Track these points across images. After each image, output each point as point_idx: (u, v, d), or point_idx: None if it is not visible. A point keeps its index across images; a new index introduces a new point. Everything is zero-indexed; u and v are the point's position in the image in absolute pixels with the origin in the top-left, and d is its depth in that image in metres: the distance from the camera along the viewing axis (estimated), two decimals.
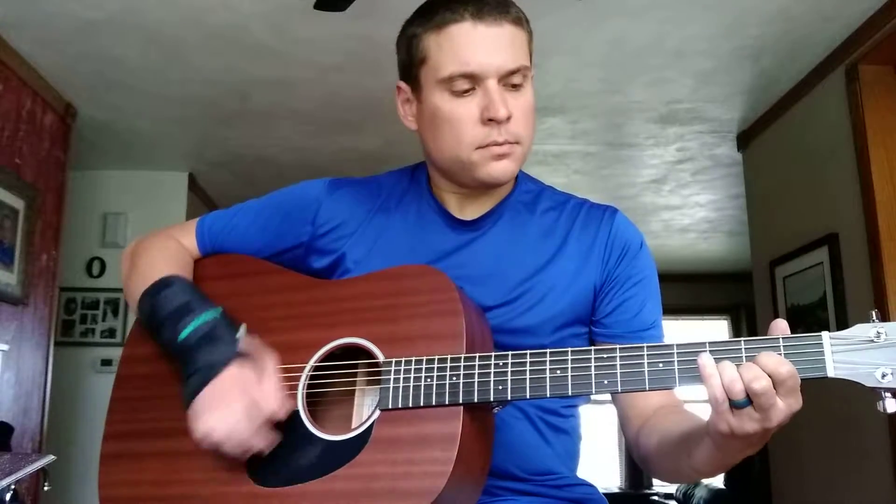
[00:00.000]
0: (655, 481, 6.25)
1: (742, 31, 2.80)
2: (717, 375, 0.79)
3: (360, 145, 3.89)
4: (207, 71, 3.11)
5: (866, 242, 2.69)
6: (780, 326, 0.82)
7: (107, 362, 3.96)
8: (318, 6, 2.33)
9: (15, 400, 2.97)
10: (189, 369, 0.97)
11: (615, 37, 2.86)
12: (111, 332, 4.09)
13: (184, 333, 0.99)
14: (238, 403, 0.92)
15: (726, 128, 3.72)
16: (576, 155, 4.14)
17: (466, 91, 1.02)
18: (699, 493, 4.60)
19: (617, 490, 6.09)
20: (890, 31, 2.58)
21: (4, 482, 1.54)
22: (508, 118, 1.01)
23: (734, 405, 0.78)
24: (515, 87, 1.04)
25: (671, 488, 5.38)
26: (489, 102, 1.01)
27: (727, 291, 6.46)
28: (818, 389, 2.97)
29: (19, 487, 1.75)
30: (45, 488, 1.94)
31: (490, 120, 1.01)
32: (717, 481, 4.62)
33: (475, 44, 1.01)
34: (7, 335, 2.91)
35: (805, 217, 3.15)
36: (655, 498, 5.82)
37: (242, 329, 1.01)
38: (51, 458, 1.72)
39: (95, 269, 4.17)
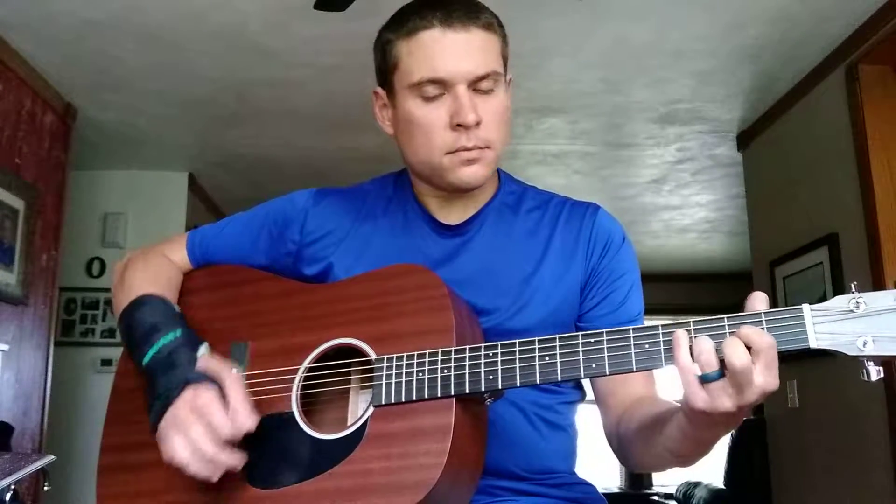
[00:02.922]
0: (655, 481, 6.25)
1: (742, 31, 2.80)
2: (685, 348, 0.79)
3: (360, 145, 3.89)
4: (207, 71, 3.12)
5: (866, 242, 2.69)
6: (759, 297, 0.82)
7: (107, 362, 3.96)
8: (318, 6, 2.33)
9: (15, 400, 2.97)
10: (152, 395, 0.98)
11: (615, 37, 2.87)
12: (111, 332, 4.09)
13: (147, 358, 1.00)
14: (195, 428, 0.92)
15: (726, 128, 3.72)
16: (576, 155, 4.14)
17: (436, 96, 1.03)
18: (699, 493, 4.59)
19: (617, 490, 6.10)
20: (890, 31, 2.58)
21: (4, 482, 1.54)
22: (478, 123, 1.02)
23: (704, 378, 0.78)
24: (486, 91, 1.04)
25: (671, 488, 5.37)
26: (458, 108, 1.02)
27: (727, 291, 6.42)
28: (818, 388, 2.95)
29: (19, 487, 1.74)
30: (45, 488, 1.94)
31: (459, 125, 1.02)
32: (718, 481, 4.62)
33: (443, 50, 1.02)
34: (7, 335, 2.91)
35: (805, 217, 3.15)
36: (655, 498, 5.82)
37: (203, 348, 1.01)
38: (51, 458, 1.72)
39: (95, 269, 4.17)
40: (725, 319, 0.82)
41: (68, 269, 3.87)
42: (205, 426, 0.92)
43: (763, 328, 0.79)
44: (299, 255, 1.15)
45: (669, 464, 0.96)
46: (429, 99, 1.04)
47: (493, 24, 1.07)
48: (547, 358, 0.88)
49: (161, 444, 0.93)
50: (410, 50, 1.04)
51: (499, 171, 1.19)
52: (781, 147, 3.40)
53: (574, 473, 1.14)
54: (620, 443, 1.07)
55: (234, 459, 0.93)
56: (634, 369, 0.84)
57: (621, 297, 1.11)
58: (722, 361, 0.78)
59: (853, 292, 0.80)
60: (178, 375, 0.96)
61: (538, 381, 0.88)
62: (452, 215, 1.13)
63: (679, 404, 0.88)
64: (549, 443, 1.09)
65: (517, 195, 1.17)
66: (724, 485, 4.54)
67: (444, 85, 1.03)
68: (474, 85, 1.03)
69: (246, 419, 0.93)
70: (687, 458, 0.91)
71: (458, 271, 1.08)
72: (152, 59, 3.01)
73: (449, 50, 1.02)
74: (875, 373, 0.78)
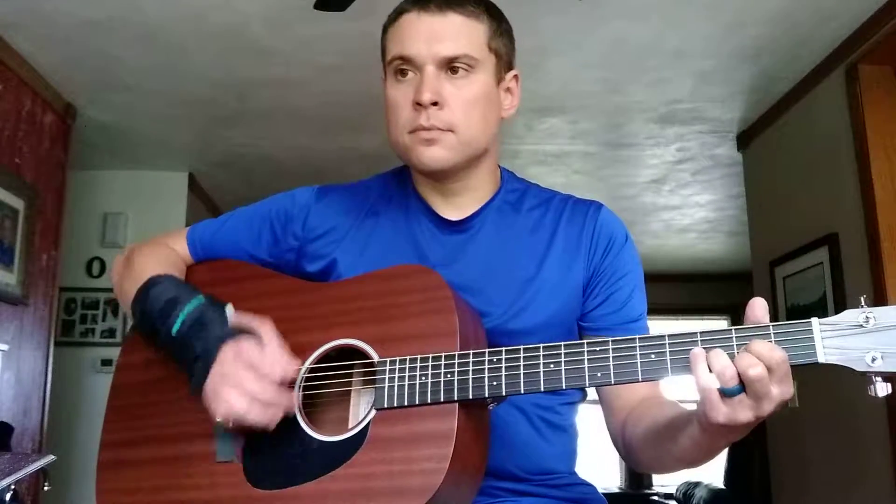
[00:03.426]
0: (655, 481, 6.25)
1: (742, 31, 2.80)
2: (704, 365, 0.79)
3: (360, 145, 3.89)
4: (207, 71, 3.12)
5: (866, 242, 2.69)
6: (759, 305, 0.82)
7: (107, 362, 3.96)
8: (318, 6, 2.33)
9: (15, 400, 2.97)
10: (189, 358, 0.97)
11: (615, 37, 2.86)
12: (111, 332, 4.10)
13: (176, 326, 0.99)
14: (246, 377, 0.92)
15: (726, 128, 3.72)
16: (576, 155, 4.14)
17: (407, 76, 1.06)
18: (699, 493, 4.59)
19: (617, 490, 6.09)
20: (890, 31, 2.58)
21: (4, 482, 1.54)
22: (436, 103, 1.03)
23: (725, 393, 0.78)
24: (459, 76, 1.05)
25: (671, 488, 5.37)
26: (418, 86, 1.04)
27: (727, 291, 6.46)
28: (819, 389, 2.95)
29: (19, 487, 1.75)
30: (45, 488, 1.94)
31: (418, 104, 1.04)
32: (718, 481, 4.62)
33: (415, 30, 1.06)
34: (7, 335, 2.91)
35: (805, 217, 3.15)
36: (655, 498, 5.82)
37: (229, 308, 1.01)
38: (51, 458, 1.72)
39: (95, 269, 4.17)
40: (734, 332, 0.81)
41: (68, 269, 3.87)
42: (256, 374, 0.93)
43: (772, 342, 0.79)
44: (302, 251, 1.15)
45: (678, 468, 0.97)
46: (400, 79, 1.07)
47: (480, 14, 1.08)
48: (552, 365, 0.87)
49: (211, 402, 0.93)
50: (392, 34, 1.09)
51: (501, 168, 1.19)
52: (781, 147, 3.40)
53: (574, 474, 1.13)
54: (626, 446, 1.07)
55: (291, 399, 0.95)
56: (640, 379, 0.84)
57: (624, 296, 1.10)
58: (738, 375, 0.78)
59: (863, 306, 0.79)
60: (214, 334, 0.97)
61: (542, 389, 0.87)
62: (453, 211, 1.13)
63: (686, 408, 0.88)
64: (549, 444, 1.09)
65: (519, 193, 1.17)
66: (724, 485, 4.54)
67: (412, 64, 1.05)
68: (446, 67, 1.05)
69: (290, 361, 0.96)
70: (697, 462, 0.92)
71: (461, 271, 1.07)
72: (152, 59, 3.01)
73: (419, 30, 1.05)
74: (883, 389, 0.77)
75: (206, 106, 3.47)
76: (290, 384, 0.96)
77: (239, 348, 0.95)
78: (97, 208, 4.20)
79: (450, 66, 1.05)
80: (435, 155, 1.05)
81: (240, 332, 0.97)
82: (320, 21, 2.59)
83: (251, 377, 0.92)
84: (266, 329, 0.98)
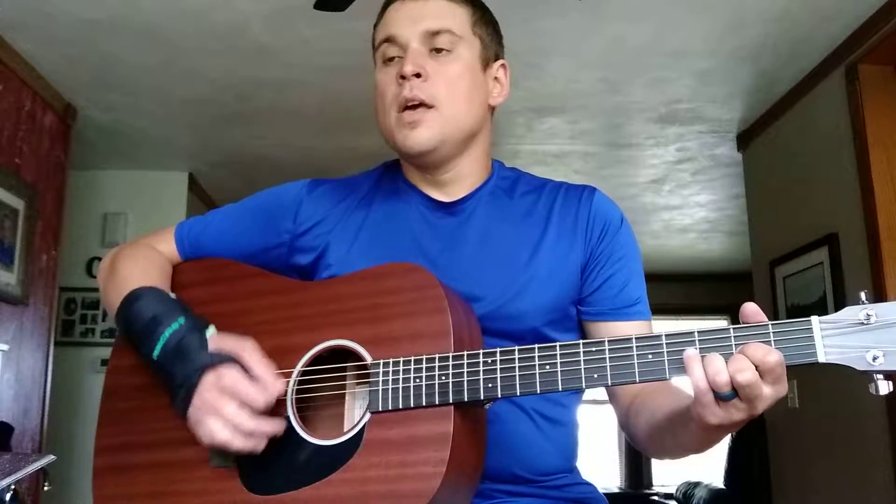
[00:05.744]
0: (655, 481, 6.25)
1: (742, 31, 2.80)
2: (700, 368, 0.78)
3: (360, 145, 3.89)
4: (207, 71, 3.12)
5: (866, 242, 2.69)
6: (750, 309, 0.81)
7: (107, 362, 3.95)
8: (318, 6, 2.33)
9: (15, 400, 2.97)
10: (172, 385, 0.96)
11: (615, 37, 2.86)
12: (111, 332, 4.09)
13: (156, 351, 0.98)
14: (228, 407, 0.91)
15: (726, 128, 3.72)
16: (576, 155, 4.14)
17: (393, 58, 1.08)
18: (699, 493, 4.59)
19: (617, 490, 6.09)
20: (890, 31, 2.58)
21: (4, 482, 1.54)
22: (418, 75, 1.04)
23: (720, 397, 0.78)
24: (442, 53, 1.07)
25: (671, 488, 5.37)
26: (403, 61, 1.06)
27: (727, 291, 6.44)
28: (819, 387, 2.94)
29: (19, 487, 1.75)
30: (45, 488, 1.94)
31: (402, 77, 1.05)
32: (718, 481, 4.62)
33: (399, 14, 1.09)
34: (7, 335, 2.91)
35: (805, 217, 3.14)
36: (655, 498, 5.81)
37: (211, 329, 1.00)
38: (51, 458, 1.72)
39: (95, 269, 4.16)
40: (731, 331, 0.80)
41: (68, 269, 3.87)
42: (238, 403, 0.92)
43: (770, 341, 0.78)
44: (293, 245, 1.13)
45: (682, 455, 0.97)
46: (386, 61, 1.09)
47: (463, 0, 1.11)
48: (547, 367, 0.86)
49: (196, 428, 0.93)
50: (379, 26, 1.12)
51: (493, 159, 1.19)
52: (781, 147, 3.40)
53: (575, 472, 1.12)
54: (631, 436, 1.07)
55: (275, 426, 0.93)
56: (637, 381, 0.83)
57: (621, 280, 1.09)
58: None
59: (863, 302, 0.77)
60: (194, 361, 0.95)
61: (538, 391, 0.86)
62: (444, 197, 1.12)
63: (686, 397, 0.87)
64: (549, 440, 1.07)
65: (511, 180, 1.16)
66: (724, 485, 4.54)
67: (398, 44, 1.08)
68: (430, 45, 1.07)
69: (274, 385, 0.94)
70: (700, 450, 0.92)
71: (455, 257, 1.07)
72: (152, 58, 3.01)
73: (403, 14, 1.09)
74: (885, 387, 0.75)
75: (206, 106, 3.47)
76: (275, 408, 0.94)
77: (220, 377, 0.93)
78: (97, 208, 4.20)
79: (434, 45, 1.07)
80: (420, 137, 1.05)
81: (221, 357, 0.95)
82: (320, 21, 2.59)
83: (233, 406, 0.91)
84: (248, 351, 0.96)
